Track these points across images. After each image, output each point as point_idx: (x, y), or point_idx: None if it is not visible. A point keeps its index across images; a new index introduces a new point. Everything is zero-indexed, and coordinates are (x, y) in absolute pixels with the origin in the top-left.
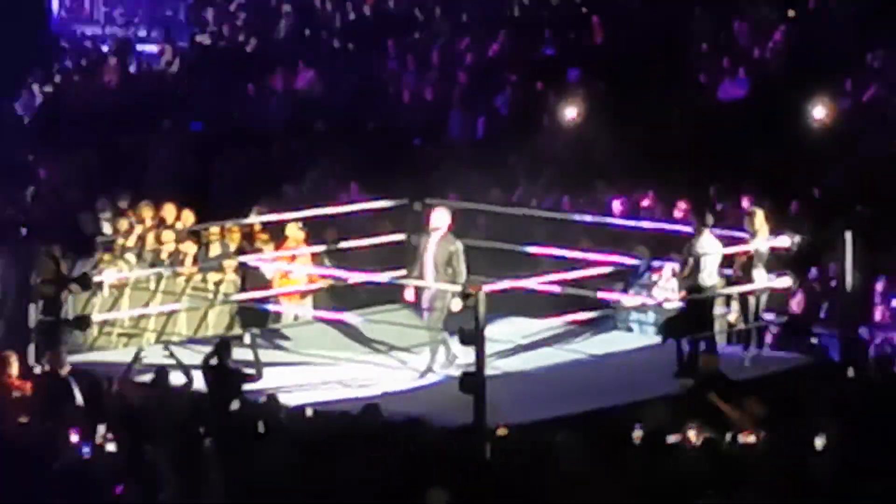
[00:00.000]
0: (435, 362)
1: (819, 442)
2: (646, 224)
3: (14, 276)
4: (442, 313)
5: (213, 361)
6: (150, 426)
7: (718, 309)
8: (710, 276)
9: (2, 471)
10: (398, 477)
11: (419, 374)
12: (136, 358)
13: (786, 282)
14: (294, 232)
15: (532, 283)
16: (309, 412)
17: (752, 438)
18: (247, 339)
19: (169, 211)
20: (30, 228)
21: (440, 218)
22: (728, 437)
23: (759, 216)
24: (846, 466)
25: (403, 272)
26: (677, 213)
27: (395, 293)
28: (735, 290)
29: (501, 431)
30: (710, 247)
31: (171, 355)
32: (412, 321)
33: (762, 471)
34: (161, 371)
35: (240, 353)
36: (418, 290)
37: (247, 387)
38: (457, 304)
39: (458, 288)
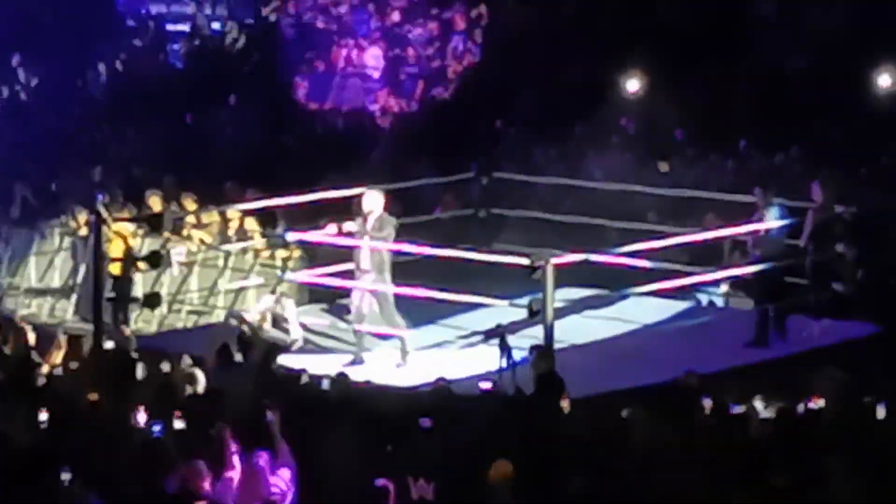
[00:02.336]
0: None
1: (882, 411)
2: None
3: (87, 254)
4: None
5: (246, 335)
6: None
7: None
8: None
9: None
10: (466, 450)
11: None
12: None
13: (852, 251)
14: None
15: (599, 255)
16: (373, 387)
17: (821, 404)
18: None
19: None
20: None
21: (372, 201)
22: (800, 407)
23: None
24: None
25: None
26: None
27: (461, 271)
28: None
29: (565, 404)
30: (776, 218)
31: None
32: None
33: (831, 440)
34: (224, 347)
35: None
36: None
37: (283, 358)
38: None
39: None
